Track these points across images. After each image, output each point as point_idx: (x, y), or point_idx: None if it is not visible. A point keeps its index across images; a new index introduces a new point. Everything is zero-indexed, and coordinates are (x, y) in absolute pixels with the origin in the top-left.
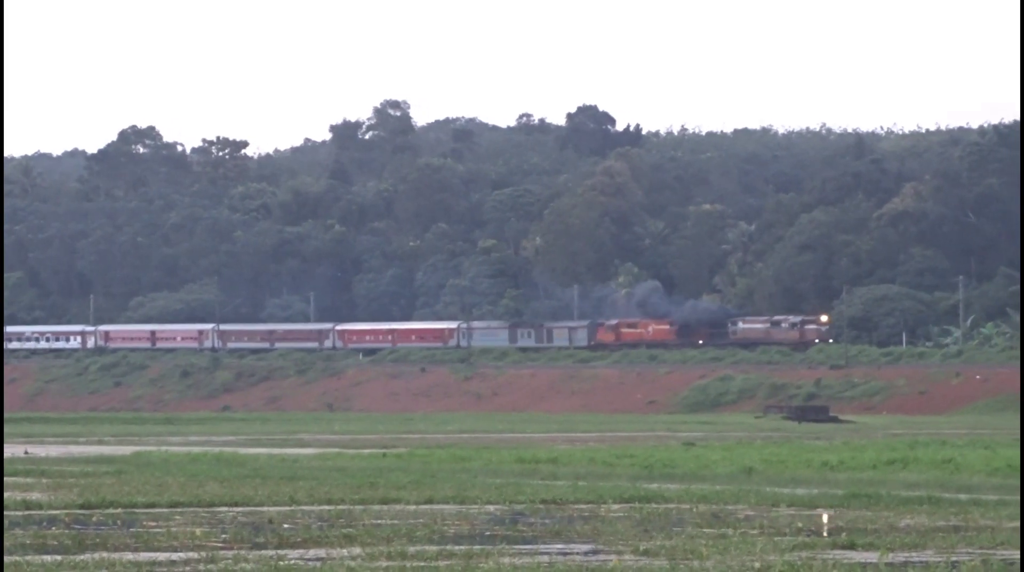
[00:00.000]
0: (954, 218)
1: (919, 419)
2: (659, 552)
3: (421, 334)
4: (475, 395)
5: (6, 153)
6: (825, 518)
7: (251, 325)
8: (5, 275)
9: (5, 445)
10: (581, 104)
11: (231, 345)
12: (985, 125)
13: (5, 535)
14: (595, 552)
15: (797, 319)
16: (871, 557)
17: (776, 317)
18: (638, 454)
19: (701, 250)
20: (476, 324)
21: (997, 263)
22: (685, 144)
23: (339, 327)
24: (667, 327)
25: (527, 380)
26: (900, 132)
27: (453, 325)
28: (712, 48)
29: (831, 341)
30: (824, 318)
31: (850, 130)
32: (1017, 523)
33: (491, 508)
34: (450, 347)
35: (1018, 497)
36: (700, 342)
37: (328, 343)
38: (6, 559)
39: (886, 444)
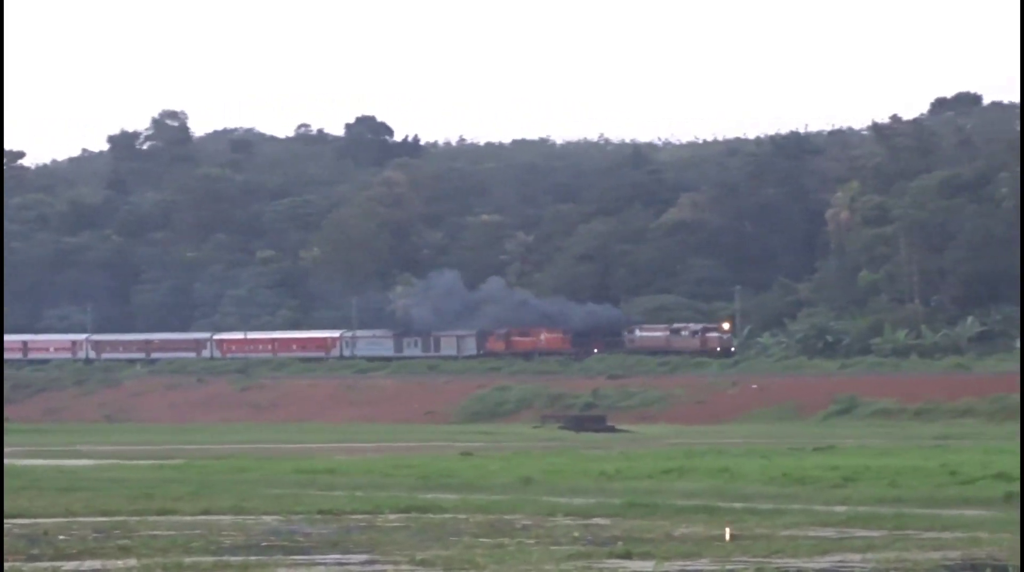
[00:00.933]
0: (732, 228)
1: (696, 428)
2: (436, 562)
3: (302, 344)
4: (254, 406)
5: None
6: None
7: (126, 335)
8: None
9: None
10: (360, 115)
11: (105, 356)
12: (762, 136)
13: None
14: (372, 562)
15: (698, 327)
16: (647, 566)
17: (676, 325)
18: (416, 464)
19: (480, 260)
20: (360, 333)
21: (774, 273)
22: (464, 154)
23: (217, 337)
24: (560, 336)
25: (306, 391)
26: (678, 143)
27: (336, 334)
28: (489, 58)
29: (732, 349)
30: (726, 326)
31: (628, 140)
32: (791, 532)
33: (268, 519)
34: (332, 357)
35: (791, 505)
36: (595, 351)
37: (206, 353)
38: None
39: (663, 453)
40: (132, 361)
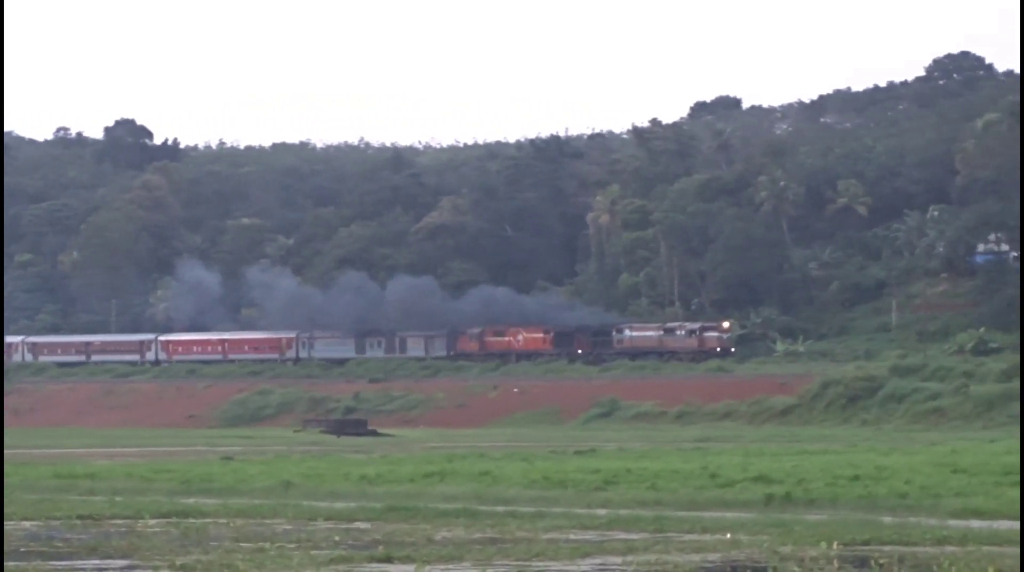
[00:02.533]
0: (492, 231)
1: (458, 432)
2: (196, 567)
3: (255, 345)
4: (12, 411)
5: None
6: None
7: (65, 337)
8: None
9: None
10: (119, 118)
11: (43, 358)
12: (522, 139)
13: None
14: (132, 567)
15: (695, 326)
16: (407, 570)
17: (670, 324)
18: (177, 469)
19: (240, 263)
20: (319, 333)
21: (534, 276)
22: (224, 158)
23: (163, 338)
24: (541, 335)
25: (66, 395)
26: (438, 146)
27: (291, 334)
28: (248, 62)
29: (732, 349)
30: (726, 325)
31: (388, 144)
32: (552, 535)
33: (27, 524)
34: (288, 358)
35: (552, 509)
36: (580, 352)
37: (150, 355)
38: None
39: (424, 457)
40: (180, 363)
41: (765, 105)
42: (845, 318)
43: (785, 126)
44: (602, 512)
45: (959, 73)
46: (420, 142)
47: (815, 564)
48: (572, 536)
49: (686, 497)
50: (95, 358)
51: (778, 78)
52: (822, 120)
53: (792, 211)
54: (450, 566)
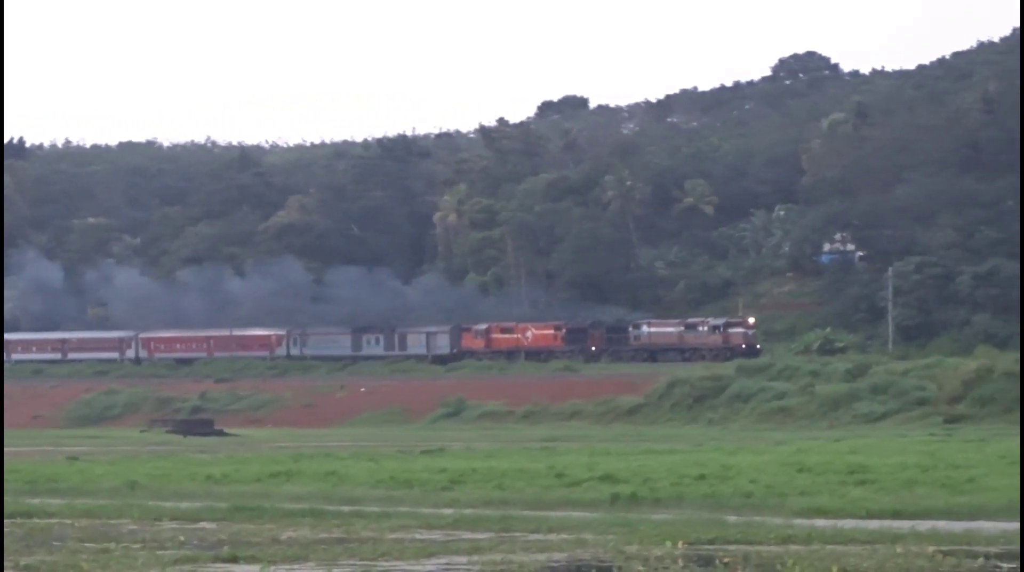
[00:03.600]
0: (339, 230)
1: (305, 432)
2: (40, 567)
3: (244, 342)
4: None
5: None
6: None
7: (41, 333)
8: None
9: None
10: None
11: (16, 357)
12: (370, 138)
13: None
14: None
15: (719, 322)
16: (253, 570)
17: (691, 319)
18: (22, 469)
19: (86, 263)
20: (312, 330)
21: (383, 276)
22: (70, 157)
23: (144, 335)
24: (552, 332)
25: None
26: (285, 145)
27: (282, 332)
28: (93, 59)
29: (758, 346)
30: (752, 320)
31: (235, 143)
32: (398, 534)
33: None
34: (278, 356)
35: (398, 508)
36: (593, 349)
37: (131, 353)
38: None
39: (271, 457)
40: (163, 361)
41: (612, 105)
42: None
43: (632, 126)
44: (448, 511)
45: (805, 73)
46: (267, 141)
47: (660, 563)
48: (418, 536)
49: (532, 496)
50: None
51: (625, 78)
52: (669, 120)
53: (639, 210)
54: (295, 566)
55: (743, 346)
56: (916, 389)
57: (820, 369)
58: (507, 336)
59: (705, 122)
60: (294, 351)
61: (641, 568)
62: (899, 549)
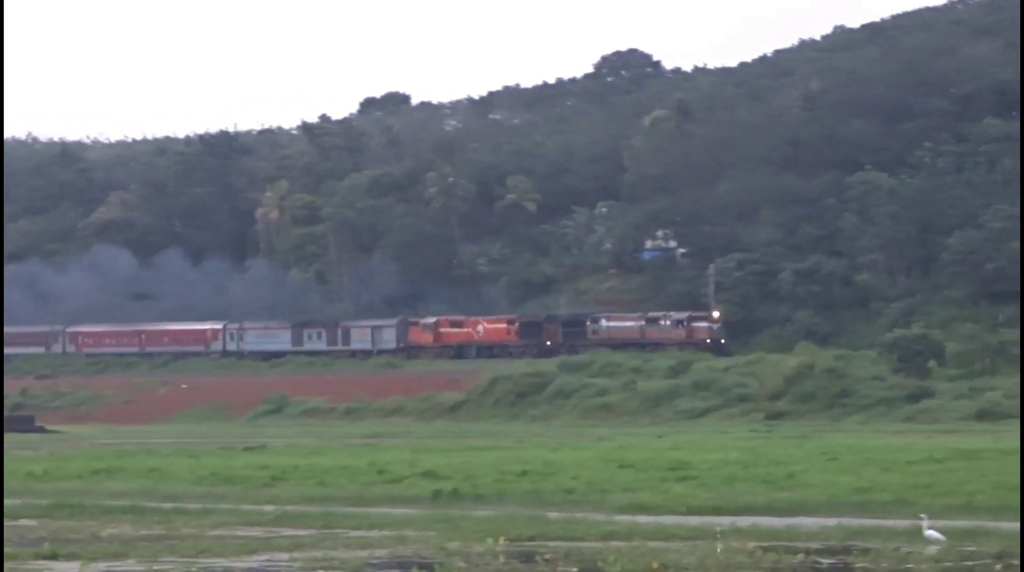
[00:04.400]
0: (161, 227)
1: (127, 428)
2: None
3: (176, 336)
4: None
5: None
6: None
7: None
8: None
9: None
10: None
11: None
12: (192, 135)
13: None
14: None
15: (683, 316)
16: (72, 567)
17: (653, 313)
18: None
19: None
20: (249, 324)
21: (206, 273)
22: None
23: (71, 329)
24: (504, 326)
25: None
26: (107, 141)
27: (218, 325)
28: None
29: (722, 341)
30: (716, 314)
31: (56, 139)
32: (219, 531)
33: None
34: (214, 351)
35: (220, 505)
36: (548, 344)
37: (57, 348)
38: None
39: (92, 454)
40: (92, 356)
41: (435, 101)
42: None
43: (455, 123)
44: (270, 508)
45: (627, 70)
46: (88, 137)
47: (481, 560)
48: (239, 532)
49: (354, 493)
50: None
51: (447, 75)
52: (491, 117)
53: (462, 207)
54: (116, 563)
55: (708, 341)
56: (738, 386)
57: (642, 366)
58: (457, 330)
59: (528, 119)
60: (231, 346)
61: (463, 564)
62: (720, 545)
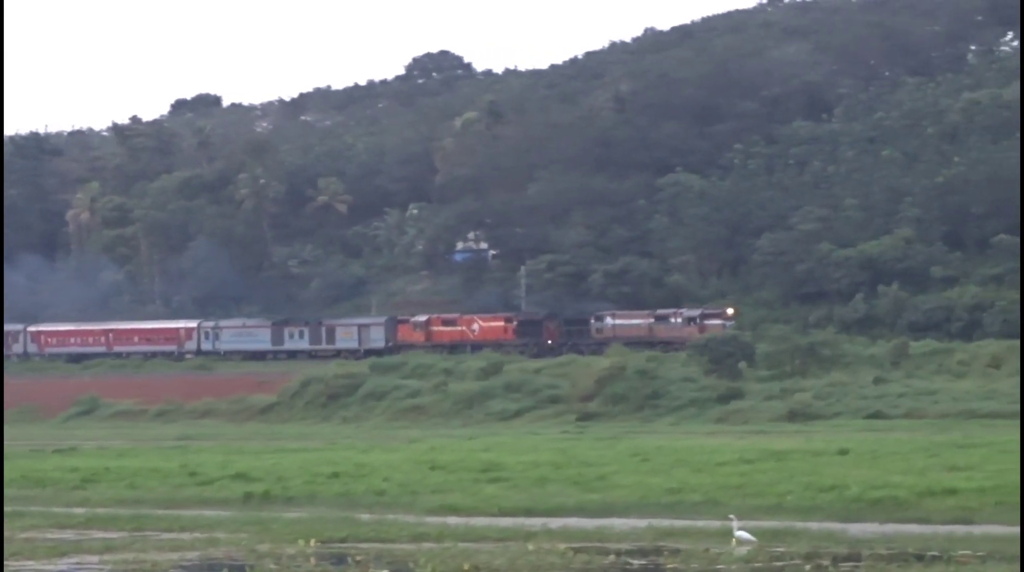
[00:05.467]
0: None
1: None
2: None
3: (147, 335)
4: None
5: None
6: None
7: None
8: None
9: None
10: None
11: None
12: None
13: None
14: None
15: (695, 313)
16: None
17: (662, 310)
18: None
19: None
20: (226, 322)
21: (14, 275)
22: None
23: (33, 328)
24: (502, 324)
25: None
26: None
27: (192, 324)
28: None
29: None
30: (731, 311)
31: None
32: (29, 534)
33: None
34: (187, 351)
35: (30, 507)
36: (549, 343)
37: (18, 348)
38: None
39: None
40: (54, 356)
41: (246, 103)
42: (327, 315)
43: (266, 124)
44: (80, 511)
45: (438, 72)
46: None
47: (292, 562)
48: (49, 535)
49: (165, 495)
50: None
51: (258, 76)
52: (302, 118)
53: (273, 209)
54: None
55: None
56: (549, 387)
57: (453, 367)
58: (450, 329)
59: (339, 120)
60: (206, 346)
61: (274, 567)
62: (531, 546)
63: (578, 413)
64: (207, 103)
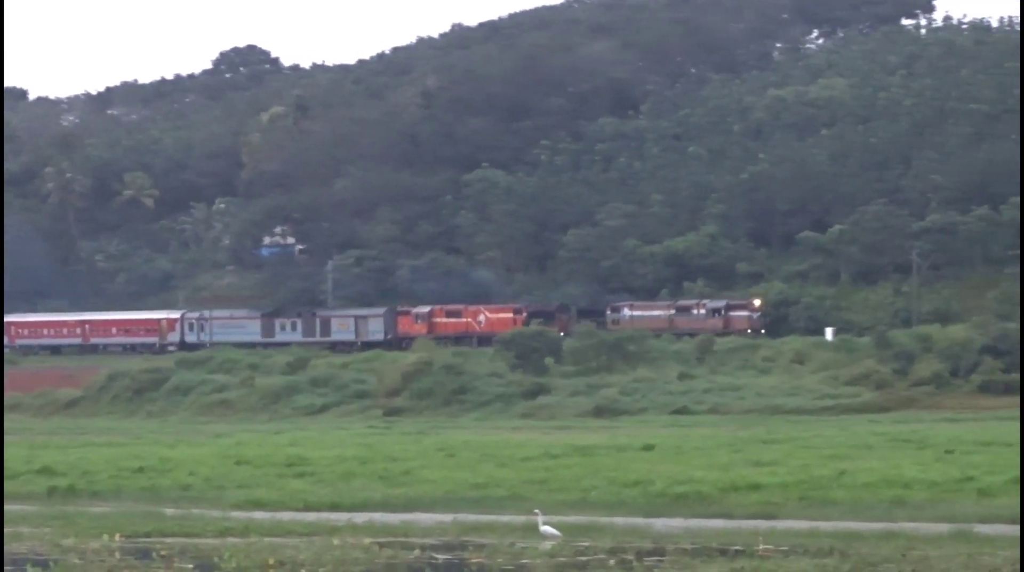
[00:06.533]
0: None
1: None
2: None
3: (126, 326)
4: None
5: None
6: None
7: None
8: None
9: None
10: None
11: None
12: None
13: None
14: None
15: (719, 304)
16: None
17: (684, 301)
18: None
19: None
20: (214, 313)
21: None
22: None
23: (4, 318)
24: (510, 315)
25: None
26: None
27: (175, 315)
28: None
29: (763, 331)
30: (757, 302)
31: None
32: None
33: None
34: (170, 343)
35: None
36: (562, 335)
37: None
38: None
39: None
40: (25, 348)
41: (52, 96)
42: (132, 309)
43: (72, 118)
44: None
45: (246, 66)
46: None
47: (97, 556)
48: None
49: None
50: None
51: (64, 70)
52: (109, 112)
53: (79, 203)
54: None
55: (748, 331)
56: (356, 382)
57: (260, 362)
58: (454, 320)
59: (146, 115)
60: (191, 338)
61: (78, 561)
62: (336, 541)
63: (384, 408)
64: (14, 97)
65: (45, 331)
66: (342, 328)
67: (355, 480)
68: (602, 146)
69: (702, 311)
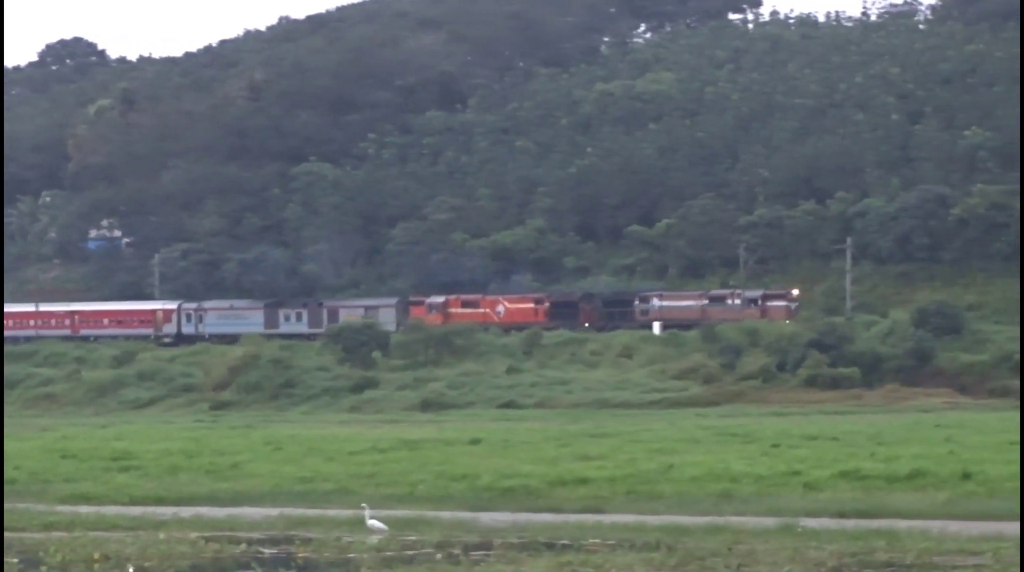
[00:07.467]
0: None
1: None
2: None
3: (118, 317)
4: None
5: None
6: None
7: None
8: None
9: None
10: None
11: None
12: None
13: None
14: None
15: (755, 294)
16: None
17: (717, 291)
18: None
19: None
20: (210, 304)
21: None
22: None
23: None
24: (531, 306)
25: None
26: None
27: (172, 305)
28: None
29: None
30: (796, 292)
31: None
32: None
33: None
34: (166, 334)
35: None
36: (587, 326)
37: None
38: None
39: None
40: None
41: None
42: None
43: None
44: None
45: (72, 59)
46: None
47: None
48: None
49: None
50: None
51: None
52: None
53: None
54: None
55: (787, 322)
56: (183, 376)
57: (87, 355)
58: (471, 311)
59: None
60: (188, 329)
61: None
62: (162, 535)
63: (212, 402)
64: None
65: (31, 322)
66: (351, 319)
67: (181, 474)
68: (430, 140)
69: (737, 301)
